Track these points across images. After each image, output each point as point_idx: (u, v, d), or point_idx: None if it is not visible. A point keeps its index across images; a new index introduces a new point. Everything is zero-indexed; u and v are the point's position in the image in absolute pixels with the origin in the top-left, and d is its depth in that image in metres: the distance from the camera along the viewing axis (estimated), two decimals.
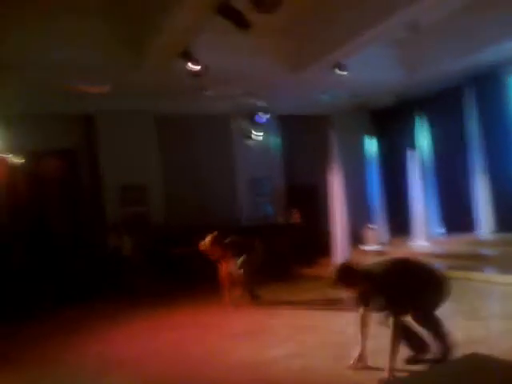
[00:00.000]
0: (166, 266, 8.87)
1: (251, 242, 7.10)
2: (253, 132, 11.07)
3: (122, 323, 6.56)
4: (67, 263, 9.05)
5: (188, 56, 6.78)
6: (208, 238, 6.80)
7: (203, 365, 4.55)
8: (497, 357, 2.97)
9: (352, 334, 5.09)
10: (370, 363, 4.02)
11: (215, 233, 6.86)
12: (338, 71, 8.18)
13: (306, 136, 11.51)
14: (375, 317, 3.98)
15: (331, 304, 6.75)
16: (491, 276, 7.01)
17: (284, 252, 9.38)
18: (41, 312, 7.60)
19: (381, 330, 4.49)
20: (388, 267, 3.92)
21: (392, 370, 3.63)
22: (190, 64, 6.81)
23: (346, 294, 4.06)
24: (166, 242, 9.24)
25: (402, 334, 3.80)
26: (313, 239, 10.36)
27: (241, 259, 6.93)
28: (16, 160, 8.87)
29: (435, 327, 3.82)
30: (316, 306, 6.61)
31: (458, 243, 9.16)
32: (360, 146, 11.74)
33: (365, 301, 3.91)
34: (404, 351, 3.92)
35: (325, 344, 4.78)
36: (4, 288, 7.69)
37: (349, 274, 3.87)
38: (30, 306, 7.67)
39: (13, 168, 8.98)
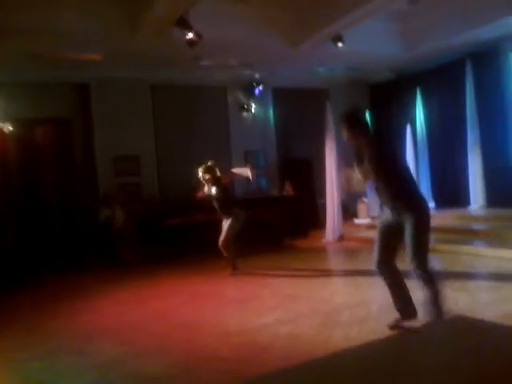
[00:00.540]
0: (158, 237, 8.91)
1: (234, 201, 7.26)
2: (248, 104, 11.02)
3: (111, 293, 6.59)
4: (58, 233, 9.10)
5: (183, 23, 6.68)
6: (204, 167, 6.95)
7: (190, 332, 4.62)
8: (482, 319, 3.04)
9: (339, 302, 5.22)
10: (357, 332, 4.10)
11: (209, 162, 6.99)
12: (336, 44, 8.13)
13: (301, 109, 11.44)
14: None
15: (321, 274, 6.87)
16: (480, 250, 7.10)
17: (277, 224, 9.45)
18: (30, 281, 7.66)
19: (371, 296, 4.58)
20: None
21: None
22: (185, 32, 6.73)
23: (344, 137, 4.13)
24: (159, 214, 9.28)
25: (395, 290, 3.92)
26: (306, 212, 10.44)
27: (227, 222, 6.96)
28: (7, 128, 8.79)
29: (430, 276, 3.77)
30: (306, 276, 6.70)
31: (448, 217, 9.24)
32: None
33: (359, 156, 4.00)
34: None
35: (313, 312, 4.86)
36: None
37: (356, 120, 4.03)
38: (20, 276, 7.73)
39: (4, 136, 8.91)
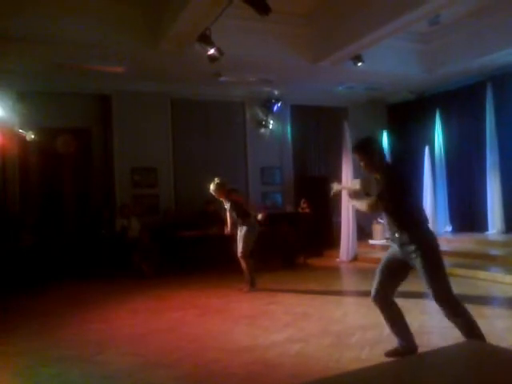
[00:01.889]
0: (174, 249, 8.94)
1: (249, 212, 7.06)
2: (266, 120, 11.07)
3: (124, 302, 6.62)
4: (74, 240, 9.17)
5: (205, 39, 6.77)
6: (213, 184, 6.86)
7: (201, 346, 4.59)
8: (497, 345, 2.96)
9: (351, 323, 5.15)
10: (368, 354, 4.04)
11: (218, 179, 6.90)
12: (356, 63, 8.16)
13: (319, 127, 11.47)
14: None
15: (333, 294, 6.80)
16: (497, 275, 6.95)
17: (291, 241, 9.39)
18: (45, 287, 7.72)
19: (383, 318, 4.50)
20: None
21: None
22: (206, 47, 6.81)
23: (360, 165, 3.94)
24: (175, 226, 9.32)
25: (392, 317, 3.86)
26: (321, 230, 10.37)
27: (241, 233, 6.91)
28: (30, 136, 8.94)
29: (456, 309, 3.65)
30: (318, 295, 6.63)
31: (466, 242, 9.11)
32: None
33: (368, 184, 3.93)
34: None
35: (323, 332, 4.80)
36: (12, 263, 7.80)
37: (370, 149, 3.84)
38: (35, 281, 7.80)
39: (26, 144, 9.07)
